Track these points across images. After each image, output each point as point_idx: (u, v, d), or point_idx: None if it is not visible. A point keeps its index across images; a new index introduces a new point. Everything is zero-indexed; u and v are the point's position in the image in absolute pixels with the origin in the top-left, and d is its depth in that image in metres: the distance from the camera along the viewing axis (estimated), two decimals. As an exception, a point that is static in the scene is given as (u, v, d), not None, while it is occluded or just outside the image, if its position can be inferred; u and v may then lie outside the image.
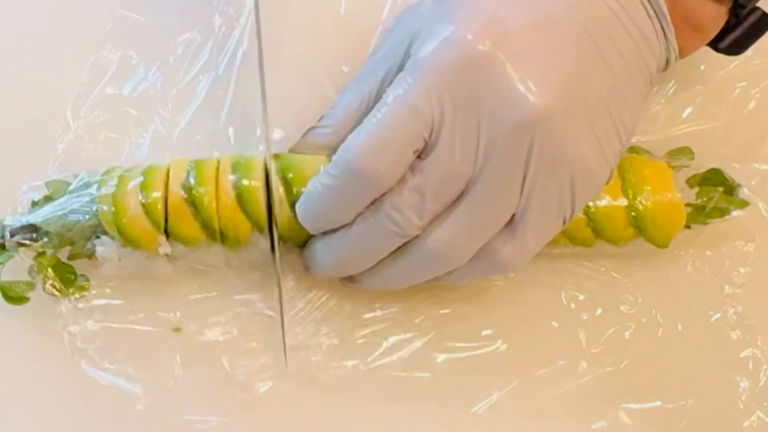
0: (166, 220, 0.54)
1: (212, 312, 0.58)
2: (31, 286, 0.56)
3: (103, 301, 0.58)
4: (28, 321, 0.57)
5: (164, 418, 0.56)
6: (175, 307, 0.58)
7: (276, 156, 0.55)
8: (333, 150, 0.52)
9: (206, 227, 0.54)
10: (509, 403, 0.57)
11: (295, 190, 0.54)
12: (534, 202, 0.50)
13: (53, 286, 0.56)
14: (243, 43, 0.63)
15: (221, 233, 0.54)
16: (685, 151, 0.60)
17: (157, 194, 0.54)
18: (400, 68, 0.51)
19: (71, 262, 0.56)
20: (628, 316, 0.59)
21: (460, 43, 0.48)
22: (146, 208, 0.54)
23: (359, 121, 0.51)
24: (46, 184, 0.57)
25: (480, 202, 0.50)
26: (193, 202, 0.54)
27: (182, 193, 0.54)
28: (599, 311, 0.59)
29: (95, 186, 0.55)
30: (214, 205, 0.54)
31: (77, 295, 0.57)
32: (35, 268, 0.56)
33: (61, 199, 0.55)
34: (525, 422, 0.57)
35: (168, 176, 0.54)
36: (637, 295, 0.59)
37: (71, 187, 0.56)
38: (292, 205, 0.54)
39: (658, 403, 0.58)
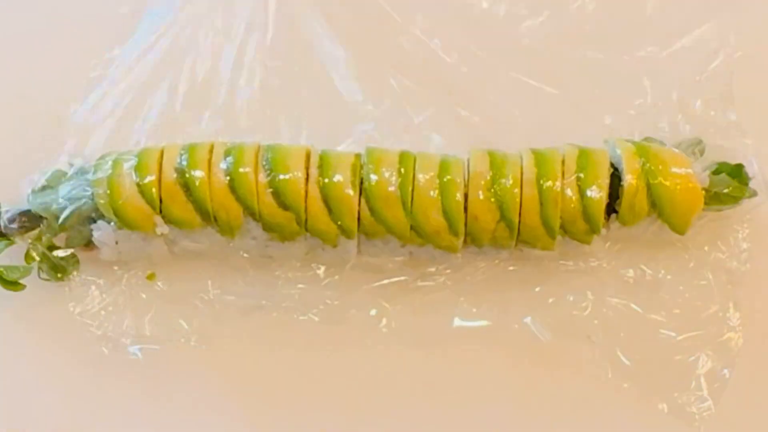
0: (161, 201, 0.54)
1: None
2: (28, 271, 0.56)
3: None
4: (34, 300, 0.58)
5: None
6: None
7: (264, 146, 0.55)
8: None
9: (199, 210, 0.54)
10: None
11: (276, 177, 0.53)
12: None
13: (48, 271, 0.56)
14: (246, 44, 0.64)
15: (215, 217, 0.54)
16: (695, 142, 0.59)
17: (152, 176, 0.54)
18: None
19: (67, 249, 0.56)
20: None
21: None
22: (141, 189, 0.54)
23: None
24: (44, 174, 0.57)
25: None
26: (185, 185, 0.54)
27: (175, 175, 0.54)
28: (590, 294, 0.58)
29: (91, 172, 0.55)
30: (206, 188, 0.54)
31: (74, 274, 0.57)
32: (31, 254, 0.56)
33: (58, 187, 0.56)
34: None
35: (162, 158, 0.54)
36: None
37: (68, 176, 0.56)
38: (275, 193, 0.53)
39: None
